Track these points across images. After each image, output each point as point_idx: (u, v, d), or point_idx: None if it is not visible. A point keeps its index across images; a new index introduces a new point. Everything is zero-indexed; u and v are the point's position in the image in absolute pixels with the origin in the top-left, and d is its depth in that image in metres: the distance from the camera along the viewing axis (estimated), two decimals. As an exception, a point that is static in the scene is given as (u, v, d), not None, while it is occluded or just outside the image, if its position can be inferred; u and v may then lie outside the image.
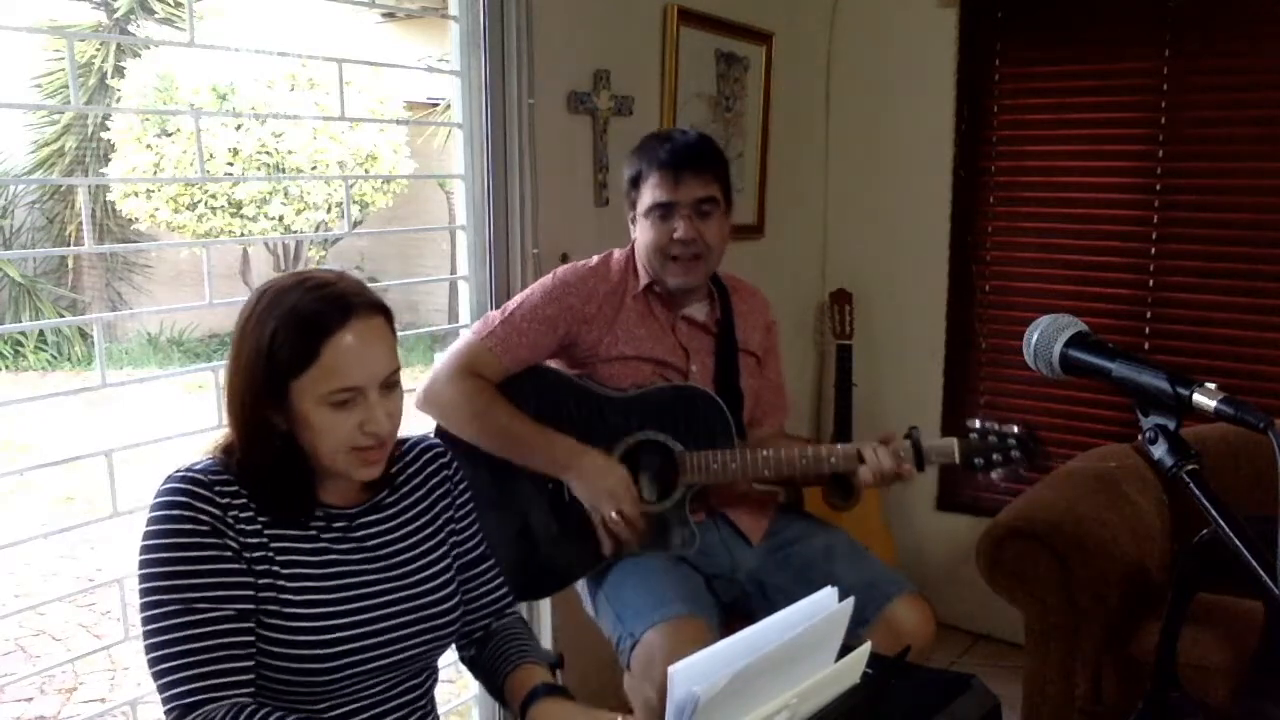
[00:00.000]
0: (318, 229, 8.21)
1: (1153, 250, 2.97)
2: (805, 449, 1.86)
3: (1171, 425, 1.00)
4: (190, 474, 1.21)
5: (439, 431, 1.87)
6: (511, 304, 1.92)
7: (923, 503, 3.45)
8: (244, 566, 1.20)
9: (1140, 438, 1.03)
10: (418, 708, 1.35)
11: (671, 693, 0.97)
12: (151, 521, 1.19)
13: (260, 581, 1.21)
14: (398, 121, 9.04)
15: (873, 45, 3.34)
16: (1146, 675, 2.00)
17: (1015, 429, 1.79)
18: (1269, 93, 2.77)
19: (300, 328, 1.18)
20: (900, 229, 3.37)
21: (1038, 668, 2.25)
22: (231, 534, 1.19)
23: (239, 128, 7.63)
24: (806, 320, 3.53)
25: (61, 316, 8.58)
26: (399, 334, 1.29)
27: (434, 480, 1.41)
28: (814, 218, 3.50)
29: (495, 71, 2.19)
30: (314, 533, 1.27)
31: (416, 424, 1.57)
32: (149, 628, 1.16)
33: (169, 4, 8.94)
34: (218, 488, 1.20)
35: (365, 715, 1.29)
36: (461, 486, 1.45)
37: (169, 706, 1.15)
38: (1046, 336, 1.10)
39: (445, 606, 1.35)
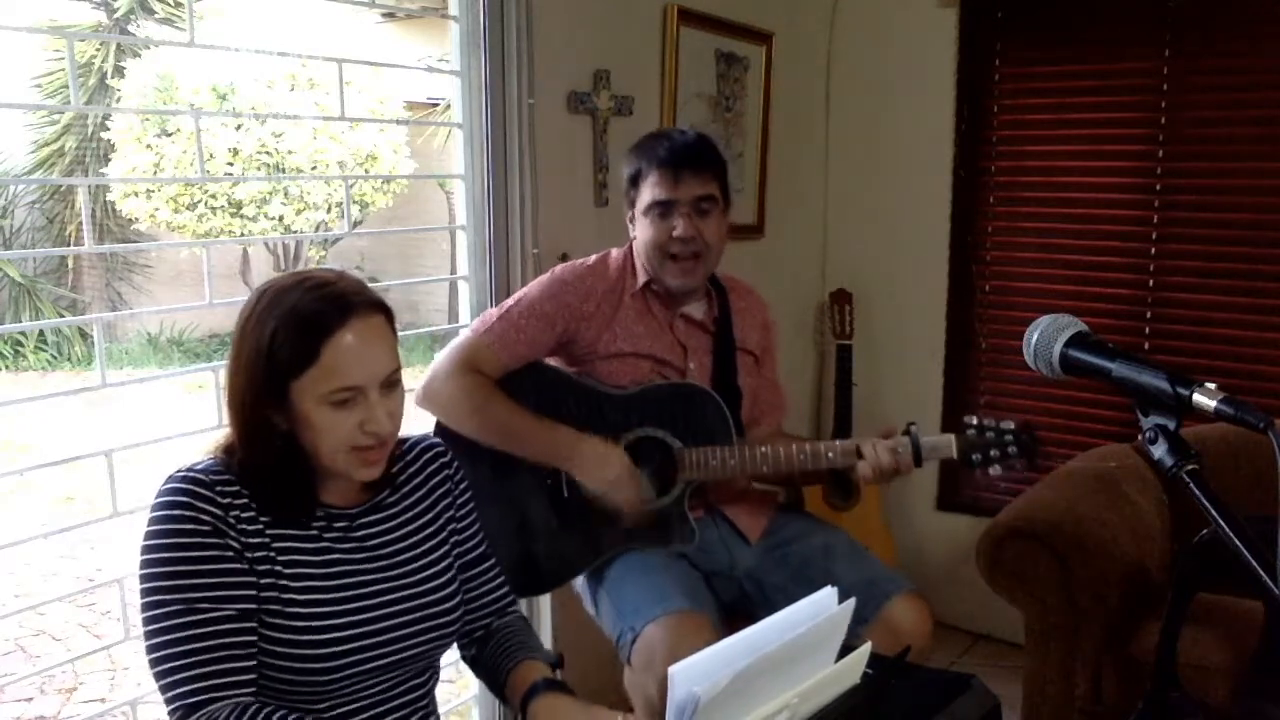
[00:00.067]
0: (318, 229, 8.21)
1: (1153, 250, 2.97)
2: (804, 445, 1.86)
3: (1171, 425, 1.00)
4: (191, 474, 1.21)
5: (439, 427, 1.87)
6: (510, 301, 1.92)
7: (923, 503, 3.45)
8: (246, 566, 1.20)
9: (1140, 438, 1.04)
10: (419, 707, 1.35)
11: (672, 693, 0.97)
12: (152, 522, 1.18)
13: (262, 581, 1.21)
14: (398, 121, 9.04)
15: (873, 45, 3.34)
16: (1146, 675, 2.00)
17: (1012, 425, 1.80)
18: (1269, 93, 2.77)
19: (300, 327, 1.18)
20: (900, 229, 3.37)
21: (1038, 668, 2.25)
22: (233, 534, 1.19)
23: (239, 128, 7.64)
24: (806, 320, 3.53)
25: (61, 316, 8.58)
26: (399, 334, 1.29)
27: (435, 480, 1.41)
28: (814, 218, 3.50)
29: (495, 71, 2.19)
30: (315, 532, 1.27)
31: (417, 423, 1.57)
32: (151, 628, 1.16)
33: (169, 4, 8.94)
34: (219, 488, 1.20)
35: (367, 714, 1.29)
36: (462, 486, 1.45)
37: (172, 707, 1.15)
38: (1046, 336, 1.10)
39: (447, 606, 1.35)
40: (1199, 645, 2.07)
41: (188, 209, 7.96)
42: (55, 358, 8.74)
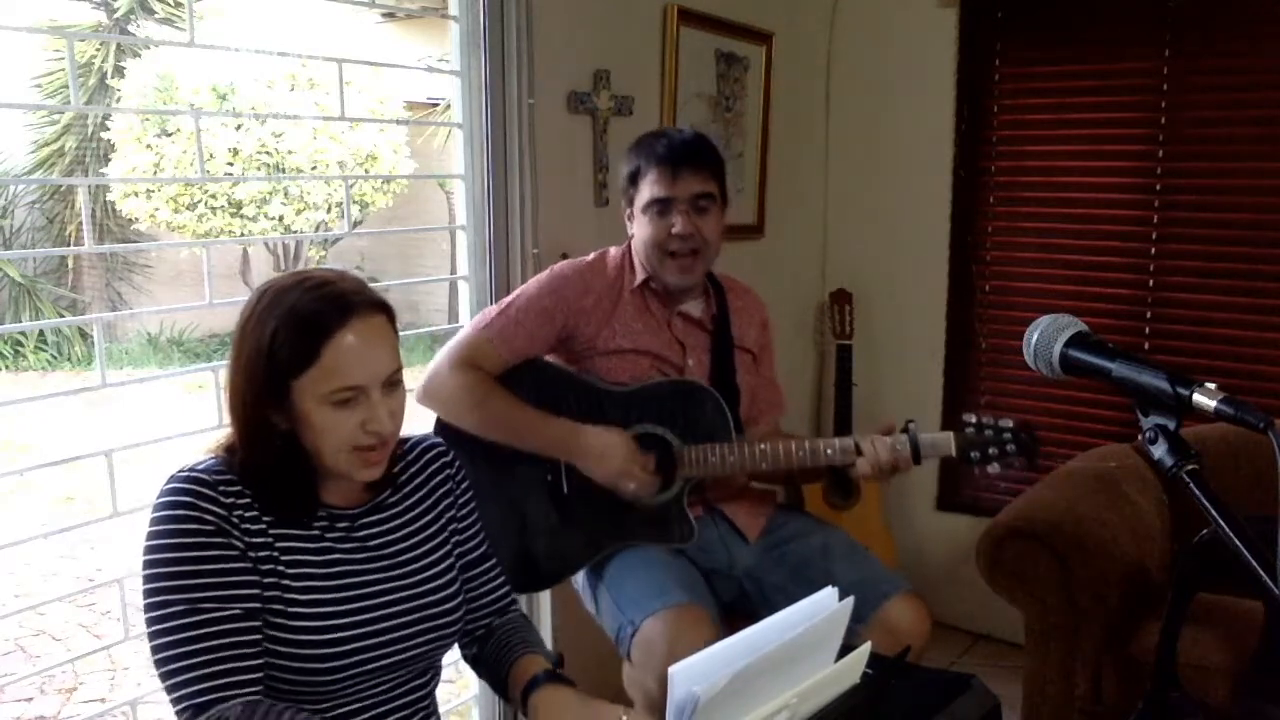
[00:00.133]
0: (318, 229, 8.21)
1: (1153, 250, 2.97)
2: (803, 442, 1.86)
3: (1171, 425, 1.00)
4: (194, 474, 1.21)
5: (439, 424, 1.88)
6: (509, 298, 1.93)
7: (923, 503, 3.45)
8: (250, 565, 1.20)
9: (1140, 438, 1.04)
10: (421, 707, 1.35)
11: (672, 693, 0.97)
12: (155, 522, 1.18)
13: (265, 581, 1.21)
14: (398, 121, 9.05)
15: (873, 45, 3.34)
16: (1146, 675, 2.00)
17: (1011, 423, 1.81)
18: (1269, 93, 2.77)
19: (301, 327, 1.17)
20: (900, 229, 3.37)
21: (1038, 668, 2.25)
22: (237, 534, 1.19)
23: (239, 128, 7.64)
24: (806, 320, 3.53)
25: (61, 316, 8.58)
26: (399, 334, 1.29)
27: (436, 479, 1.41)
28: (814, 218, 3.50)
29: (495, 71, 2.19)
30: (317, 533, 1.27)
31: (418, 423, 1.57)
32: (156, 628, 1.15)
33: (169, 4, 8.94)
34: (222, 487, 1.20)
35: (369, 715, 1.29)
36: (464, 485, 1.45)
37: (180, 707, 1.14)
38: (1046, 336, 1.10)
39: (449, 606, 1.35)
40: (1199, 645, 2.07)
41: (188, 209, 7.96)
42: (55, 358, 8.75)
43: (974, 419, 1.81)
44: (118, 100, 8.22)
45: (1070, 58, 3.04)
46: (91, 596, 4.15)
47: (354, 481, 1.28)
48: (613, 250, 2.01)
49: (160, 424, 3.23)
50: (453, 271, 4.39)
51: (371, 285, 1.29)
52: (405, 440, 1.40)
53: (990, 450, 1.79)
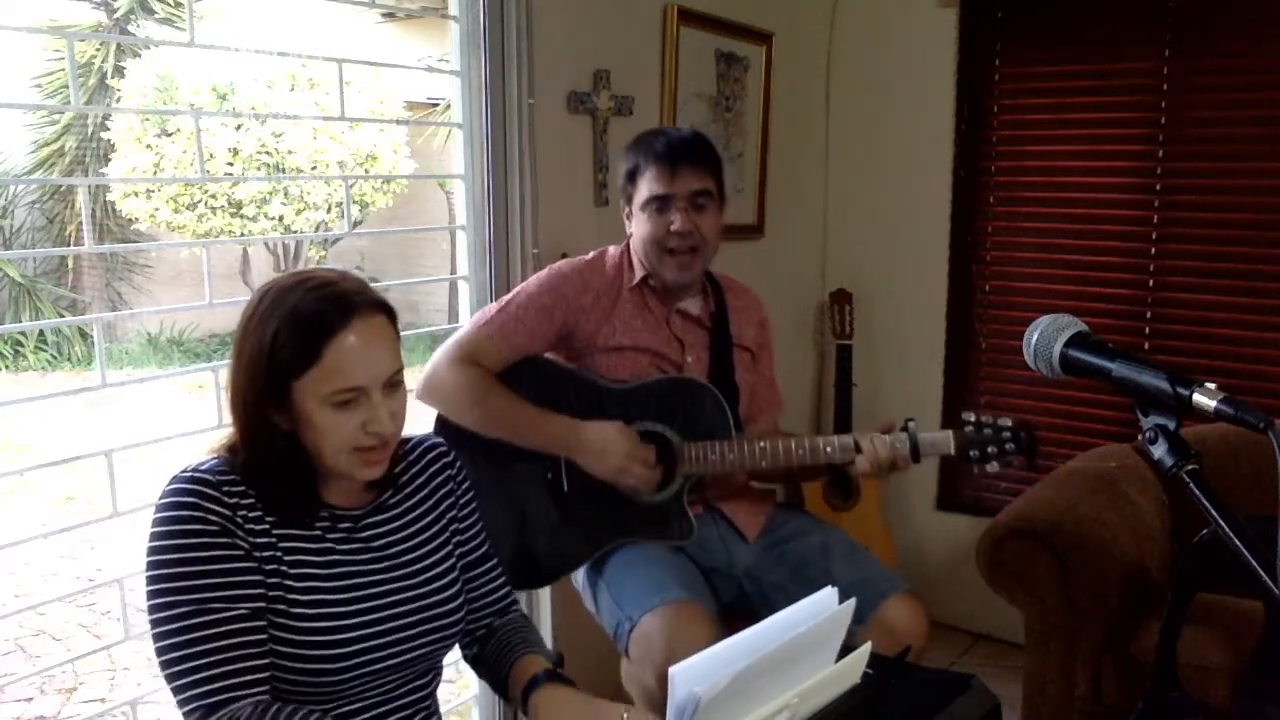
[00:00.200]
0: (318, 229, 8.21)
1: (1153, 250, 2.97)
2: (802, 440, 1.87)
3: (1171, 425, 1.00)
4: (197, 474, 1.21)
5: (440, 422, 1.88)
6: (508, 296, 1.94)
7: (923, 502, 3.45)
8: (255, 565, 1.20)
9: (1140, 438, 1.04)
10: (422, 707, 1.35)
11: (672, 693, 0.97)
12: (159, 523, 1.18)
13: (269, 581, 1.21)
14: (398, 121, 9.05)
15: (873, 45, 3.34)
16: (1146, 675, 2.00)
17: (1009, 422, 1.81)
18: (1269, 93, 2.77)
19: (302, 328, 1.17)
20: (900, 229, 3.37)
21: (1038, 668, 2.25)
22: (241, 534, 1.19)
23: (239, 128, 7.64)
24: (806, 320, 3.53)
25: (61, 316, 8.58)
26: (400, 334, 1.29)
27: (438, 480, 1.41)
28: (814, 218, 3.50)
29: (495, 71, 2.19)
30: (319, 533, 1.27)
31: (419, 422, 1.57)
32: (162, 629, 1.15)
33: (169, 4, 8.94)
34: (225, 488, 1.20)
35: (371, 714, 1.29)
36: (465, 485, 1.45)
37: (189, 707, 1.14)
38: (1046, 336, 1.10)
39: (450, 606, 1.35)
40: (1199, 645, 2.07)
41: (188, 209, 7.96)
42: (55, 358, 8.75)
43: (973, 418, 1.82)
44: (118, 100, 8.21)
45: (1070, 58, 3.04)
46: (91, 596, 4.15)
47: (355, 482, 1.28)
48: (612, 249, 2.02)
49: (160, 424, 3.23)
50: (453, 271, 4.39)
51: (372, 285, 1.29)
52: (406, 440, 1.40)
53: (989, 449, 1.80)
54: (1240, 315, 2.87)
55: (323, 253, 9.34)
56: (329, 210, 8.23)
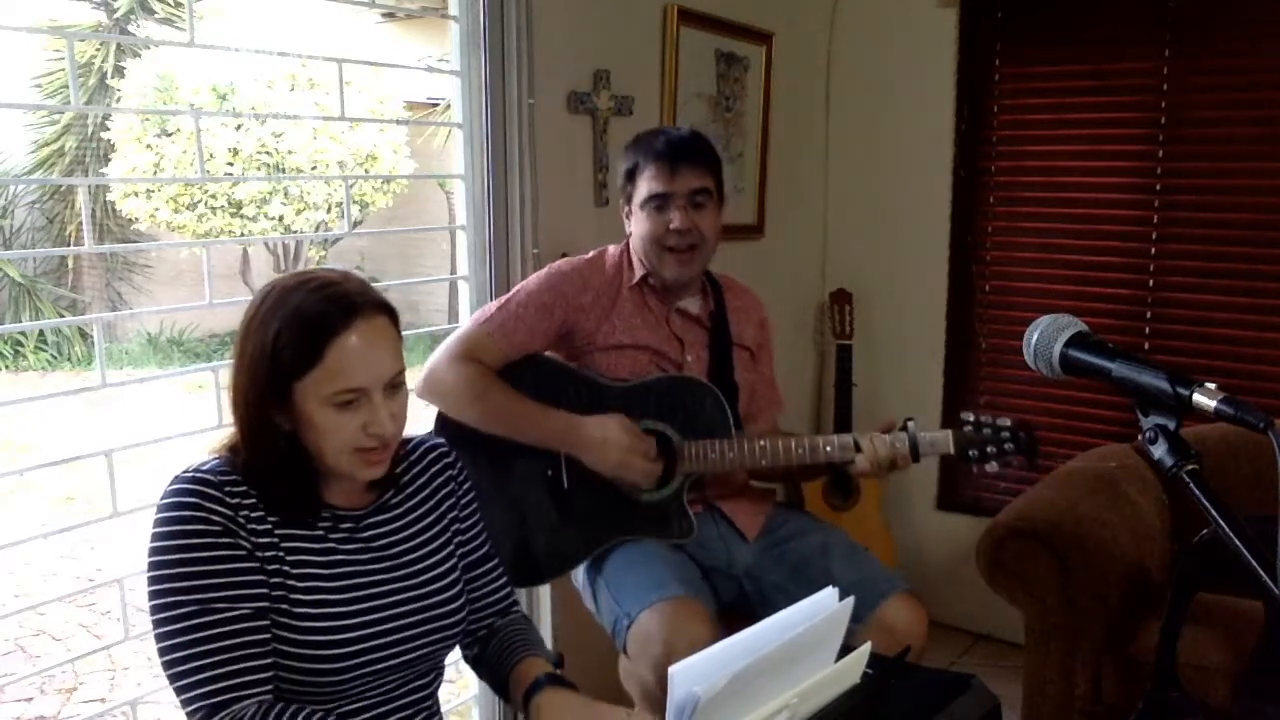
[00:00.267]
0: (318, 229, 8.21)
1: (1153, 250, 2.97)
2: (802, 439, 1.87)
3: (1171, 425, 1.00)
4: (199, 474, 1.21)
5: (440, 421, 1.88)
6: (509, 294, 1.95)
7: (923, 502, 3.45)
8: (257, 565, 1.20)
9: (1140, 438, 1.04)
10: (424, 707, 1.35)
11: (672, 693, 0.97)
12: (160, 523, 1.18)
13: (272, 581, 1.21)
14: (398, 121, 9.04)
15: (873, 45, 3.34)
16: (1146, 675, 2.00)
17: (1009, 421, 1.82)
18: (1269, 93, 2.77)
19: (304, 328, 1.17)
20: (900, 229, 3.37)
21: (1038, 668, 2.25)
22: (243, 534, 1.19)
23: (239, 128, 7.63)
24: (806, 320, 3.54)
25: (61, 316, 8.58)
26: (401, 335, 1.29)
27: (439, 480, 1.41)
28: (814, 218, 3.50)
29: (495, 71, 2.19)
30: (321, 533, 1.27)
31: (419, 423, 1.57)
32: (165, 629, 1.15)
33: (169, 4, 8.94)
34: (227, 488, 1.20)
35: (372, 714, 1.29)
36: (466, 486, 1.45)
37: (193, 707, 1.14)
38: (1046, 336, 1.10)
39: (452, 606, 1.35)
40: (1199, 645, 2.07)
41: (188, 209, 7.96)
42: (55, 358, 8.75)
43: (972, 418, 1.82)
44: (118, 100, 8.21)
45: (1070, 58, 3.04)
46: (91, 596, 4.16)
47: (357, 482, 1.28)
48: (611, 248, 2.02)
49: (160, 424, 3.23)
50: (453, 271, 4.40)
51: (373, 285, 1.29)
52: (408, 441, 1.40)
53: (988, 449, 1.80)
54: (1240, 315, 2.87)
55: (323, 253, 9.34)
56: (329, 210, 8.23)
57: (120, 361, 8.69)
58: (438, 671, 1.39)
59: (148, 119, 7.74)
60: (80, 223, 8.72)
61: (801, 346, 3.51)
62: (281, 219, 8.05)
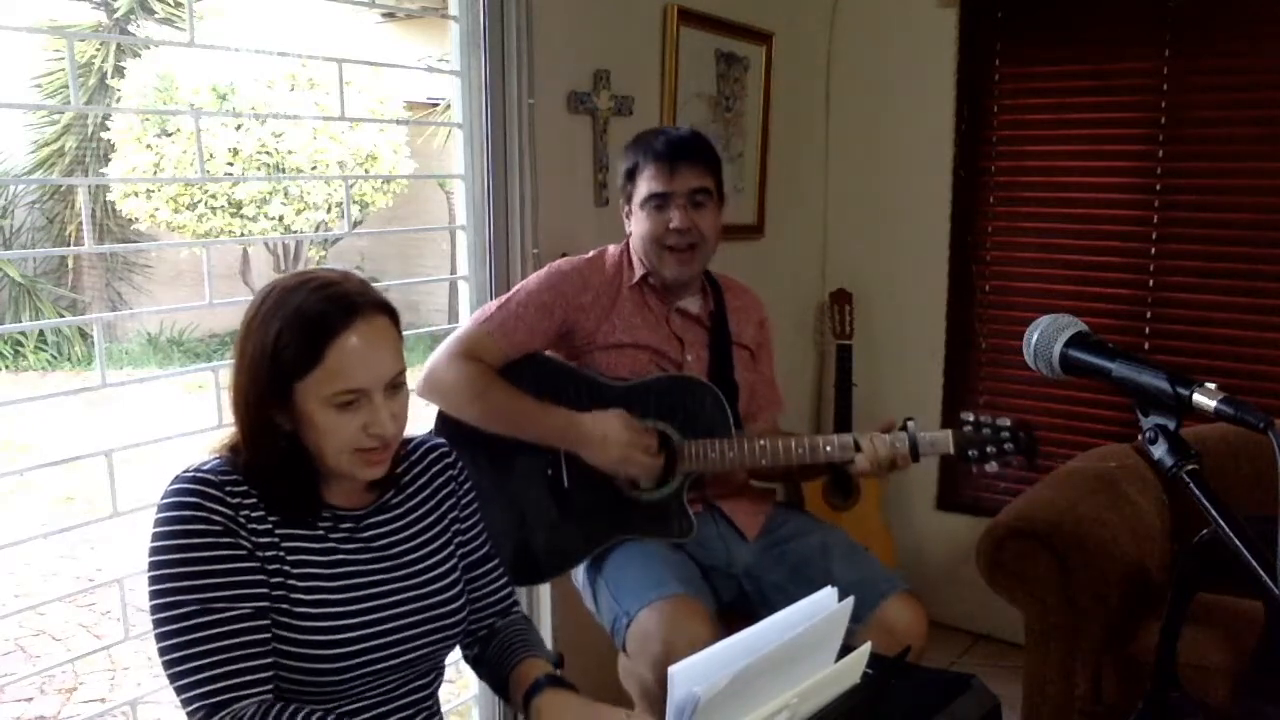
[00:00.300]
0: (318, 229, 8.21)
1: (1153, 250, 2.97)
2: (802, 439, 1.87)
3: (1171, 425, 1.00)
4: (200, 474, 1.21)
5: (440, 420, 1.88)
6: (509, 293, 1.95)
7: (923, 502, 3.45)
8: (258, 565, 1.20)
9: (1140, 438, 1.04)
10: (424, 707, 1.35)
11: (672, 693, 0.97)
12: (161, 522, 1.18)
13: (272, 581, 1.21)
14: (398, 121, 9.04)
15: (873, 45, 3.34)
16: (1146, 675, 2.00)
17: (1008, 421, 1.82)
18: (1269, 93, 2.77)
19: (304, 329, 1.17)
20: (900, 229, 3.37)
21: (1038, 668, 2.25)
22: (244, 534, 1.19)
23: (239, 128, 7.63)
24: (806, 320, 3.54)
25: (61, 316, 8.58)
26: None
27: (439, 480, 1.41)
28: (814, 218, 3.50)
29: (495, 71, 2.19)
30: (322, 533, 1.27)
31: (420, 421, 1.57)
32: (165, 629, 1.15)
33: (169, 4, 8.94)
34: (228, 488, 1.20)
35: (373, 714, 1.29)
36: (466, 486, 1.45)
37: (193, 707, 1.14)
38: (1046, 336, 1.10)
39: (453, 606, 1.35)
40: (1199, 645, 2.07)
41: (188, 209, 7.96)
42: (55, 358, 8.75)
43: (972, 418, 1.82)
44: (118, 100, 8.21)
45: (1070, 58, 3.04)
46: (91, 596, 4.16)
47: (357, 482, 1.28)
48: (611, 248, 2.03)
49: (160, 424, 3.23)
50: (453, 271, 4.39)
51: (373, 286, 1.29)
52: (408, 441, 1.40)
53: (988, 449, 1.80)
54: (1240, 315, 2.87)
55: (323, 253, 9.34)
56: (329, 210, 8.23)
57: (120, 361, 8.69)
58: (438, 671, 1.39)
59: (148, 119, 7.74)
60: (80, 223, 8.72)
61: (801, 346, 3.51)
62: (281, 219, 8.05)
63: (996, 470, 1.83)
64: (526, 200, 2.25)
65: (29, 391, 6.84)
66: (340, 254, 9.73)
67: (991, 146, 3.20)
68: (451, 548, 1.40)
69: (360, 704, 1.27)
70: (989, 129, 3.19)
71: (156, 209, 8.02)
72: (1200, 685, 2.04)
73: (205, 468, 1.22)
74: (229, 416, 1.25)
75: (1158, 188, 2.95)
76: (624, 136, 2.10)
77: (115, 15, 8.81)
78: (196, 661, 1.14)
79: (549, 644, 2.32)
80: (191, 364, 8.65)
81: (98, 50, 8.63)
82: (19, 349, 8.62)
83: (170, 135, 7.73)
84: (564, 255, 2.10)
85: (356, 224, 8.14)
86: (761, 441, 1.87)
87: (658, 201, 1.90)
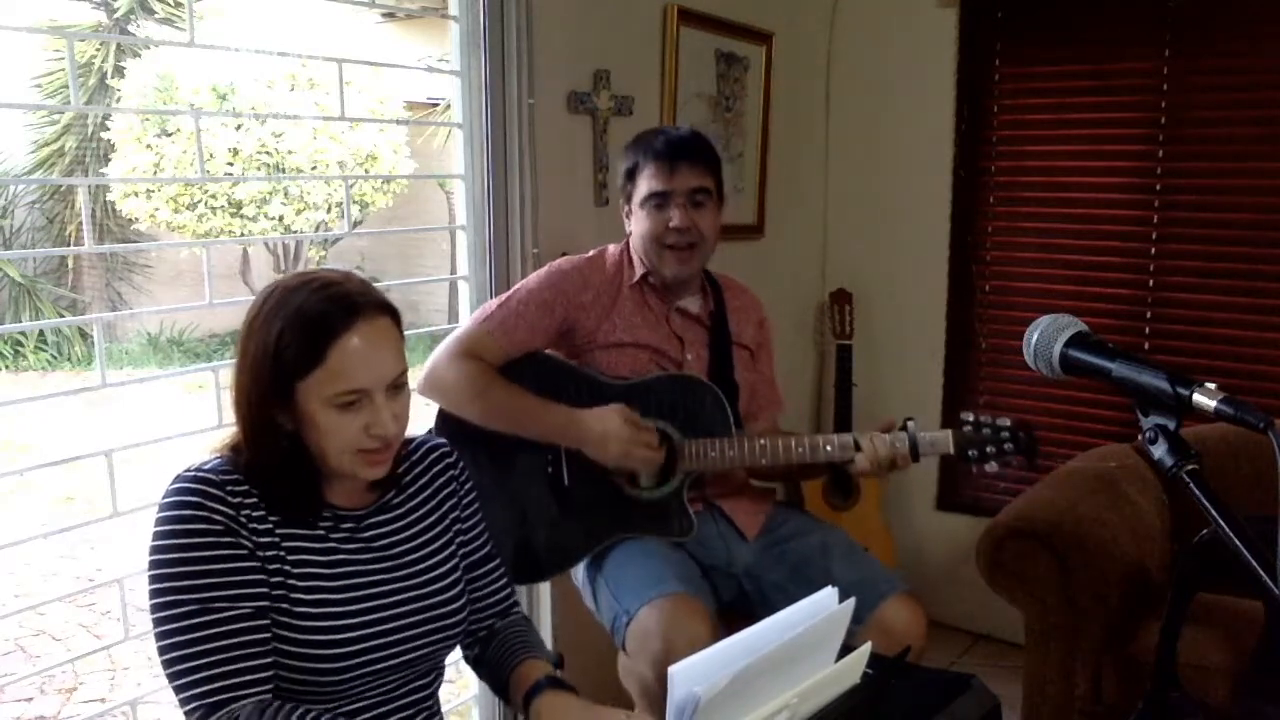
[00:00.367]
0: (318, 229, 8.21)
1: (1153, 250, 2.97)
2: (802, 438, 1.88)
3: (1171, 425, 1.00)
4: (201, 474, 1.21)
5: (441, 420, 1.88)
6: (509, 292, 1.95)
7: (923, 502, 3.45)
8: (258, 565, 1.20)
9: (1140, 438, 1.04)
10: (424, 707, 1.35)
11: (672, 693, 0.97)
12: (162, 522, 1.18)
13: (272, 580, 1.21)
14: (398, 121, 9.04)
15: (873, 45, 3.34)
16: (1146, 675, 2.00)
17: (1008, 422, 1.82)
18: (1269, 93, 2.77)
19: (306, 329, 1.17)
20: (900, 229, 3.37)
21: (1038, 668, 2.25)
22: (245, 533, 1.19)
23: (239, 128, 7.64)
24: (806, 320, 3.54)
25: (61, 316, 8.58)
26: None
27: (440, 480, 1.41)
28: (814, 218, 3.50)
29: (495, 71, 2.19)
30: (323, 533, 1.27)
31: (420, 421, 1.57)
32: (165, 628, 1.15)
33: (169, 4, 8.94)
34: (229, 487, 1.20)
35: (373, 714, 1.29)
36: (468, 486, 1.45)
37: (190, 707, 1.14)
38: (1046, 336, 1.10)
39: (453, 606, 1.35)
40: (1199, 645, 2.07)
41: (188, 209, 7.96)
42: (55, 358, 8.75)
43: (972, 418, 1.83)
44: (118, 100, 8.21)
45: (1070, 58, 3.04)
46: (91, 596, 4.16)
47: (359, 482, 1.28)
48: (611, 247, 2.03)
49: (160, 424, 3.23)
50: (453, 271, 4.39)
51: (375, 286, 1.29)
52: (410, 441, 1.40)
53: (988, 449, 1.81)
54: (1240, 315, 2.87)
55: (323, 253, 9.34)
56: (329, 210, 8.23)
57: (120, 361, 8.69)
58: (438, 671, 1.39)
59: (148, 119, 7.74)
60: (80, 223, 8.72)
61: (801, 346, 3.51)
62: (281, 219, 8.05)
63: (996, 470, 1.83)
64: (526, 200, 2.25)
65: (29, 391, 6.84)
66: (340, 254, 9.73)
67: (991, 146, 3.20)
68: (453, 548, 1.40)
69: (360, 704, 1.27)
70: (989, 129, 3.19)
71: (156, 209, 8.02)
72: (1200, 685, 2.04)
73: (206, 467, 1.22)
74: (229, 416, 1.25)
75: (1158, 188, 2.95)
76: (624, 136, 2.10)
77: (115, 15, 8.81)
78: (195, 661, 1.14)
79: (549, 643, 2.32)
80: (191, 364, 8.65)
81: (98, 50, 8.63)
82: (19, 349, 8.62)
83: (170, 135, 7.73)
84: (564, 255, 2.10)
85: (356, 224, 8.14)
86: (761, 441, 1.88)
87: (658, 200, 1.90)
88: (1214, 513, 0.96)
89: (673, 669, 0.97)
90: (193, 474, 1.21)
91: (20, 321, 8.23)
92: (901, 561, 3.32)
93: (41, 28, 7.77)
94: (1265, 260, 2.82)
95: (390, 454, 1.26)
